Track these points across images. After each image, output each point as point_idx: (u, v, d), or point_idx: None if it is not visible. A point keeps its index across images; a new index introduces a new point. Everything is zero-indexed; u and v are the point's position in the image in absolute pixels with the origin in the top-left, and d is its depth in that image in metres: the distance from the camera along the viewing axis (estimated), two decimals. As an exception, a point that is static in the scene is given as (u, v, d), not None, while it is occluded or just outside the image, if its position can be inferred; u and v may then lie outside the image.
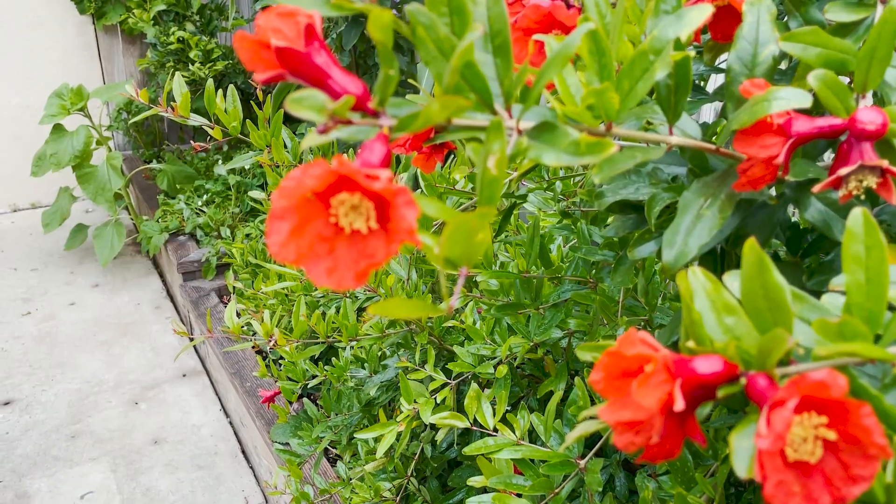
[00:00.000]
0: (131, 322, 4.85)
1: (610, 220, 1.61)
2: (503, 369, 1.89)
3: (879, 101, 0.92)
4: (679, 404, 0.63)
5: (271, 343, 2.22)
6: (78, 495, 3.70)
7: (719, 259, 1.16)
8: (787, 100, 0.82)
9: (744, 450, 0.64)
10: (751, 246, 0.69)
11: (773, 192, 1.11)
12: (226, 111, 2.08)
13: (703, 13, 0.76)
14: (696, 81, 1.36)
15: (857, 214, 0.70)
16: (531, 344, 1.89)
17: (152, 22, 4.93)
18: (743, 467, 0.63)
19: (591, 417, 0.90)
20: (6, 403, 4.25)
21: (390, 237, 0.63)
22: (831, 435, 0.59)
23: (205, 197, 4.64)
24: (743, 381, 0.68)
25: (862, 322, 0.68)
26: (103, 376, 4.39)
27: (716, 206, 0.93)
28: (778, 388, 0.64)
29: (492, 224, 1.69)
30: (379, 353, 2.50)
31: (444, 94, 0.66)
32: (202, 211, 4.61)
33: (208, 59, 4.63)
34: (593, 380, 0.69)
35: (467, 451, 1.54)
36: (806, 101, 0.81)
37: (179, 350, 4.48)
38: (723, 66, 1.26)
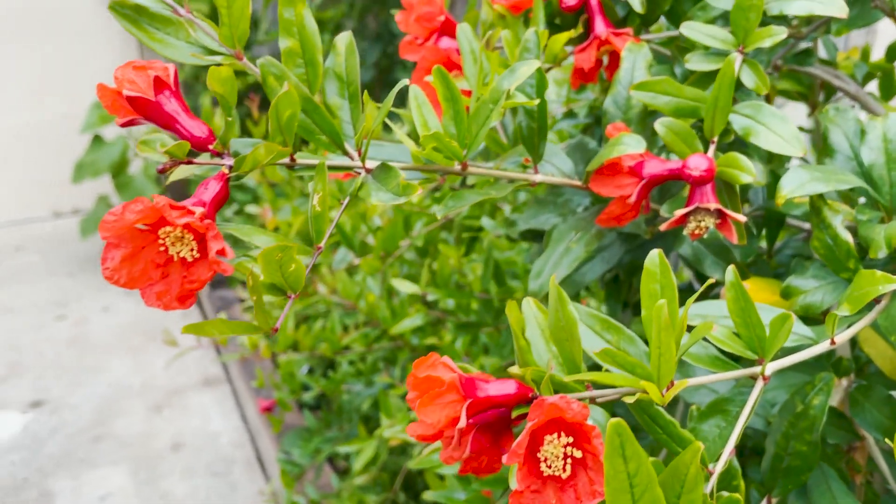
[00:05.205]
0: (160, 329, 5.04)
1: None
2: (472, 387, 1.97)
3: (735, 144, 0.99)
4: (461, 422, 0.72)
5: (257, 355, 2.34)
6: (97, 496, 3.85)
7: (623, 287, 1.24)
8: (626, 145, 0.90)
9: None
10: (552, 282, 0.78)
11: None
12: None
13: (531, 67, 0.85)
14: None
15: (654, 255, 0.79)
16: (504, 363, 1.97)
17: (191, 34, 5.13)
18: (513, 481, 0.72)
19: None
20: (36, 404, 4.45)
21: (208, 264, 0.73)
22: (578, 453, 0.68)
23: (234, 206, 4.82)
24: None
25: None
26: (129, 381, 4.58)
27: (584, 241, 1.02)
28: (552, 410, 0.73)
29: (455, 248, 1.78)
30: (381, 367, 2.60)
31: (271, 139, 0.77)
32: (231, 221, 4.78)
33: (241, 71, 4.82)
34: (409, 399, 0.79)
35: (412, 465, 1.63)
36: (640, 147, 0.90)
37: (205, 358, 4.65)
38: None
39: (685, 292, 1.32)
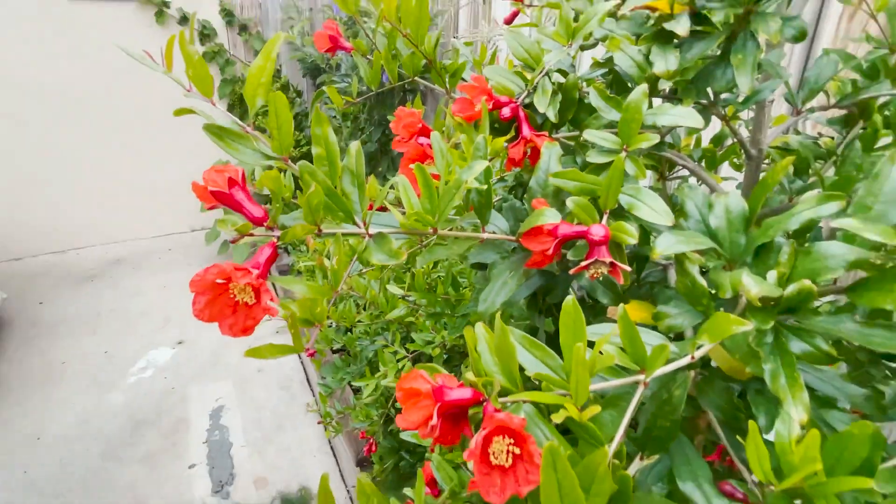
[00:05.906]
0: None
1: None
2: (436, 351, 1.83)
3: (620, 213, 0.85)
4: (434, 420, 0.58)
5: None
6: (214, 398, 3.69)
7: (538, 300, 1.10)
8: (547, 217, 0.76)
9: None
10: (498, 319, 0.64)
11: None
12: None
13: (482, 166, 0.71)
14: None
15: (569, 300, 0.64)
16: (456, 336, 1.83)
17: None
18: (471, 468, 0.58)
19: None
20: (179, 342, 4.26)
21: (261, 309, 0.59)
22: (517, 450, 0.54)
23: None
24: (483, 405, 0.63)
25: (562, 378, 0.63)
26: (233, 331, 4.36)
27: (515, 277, 0.88)
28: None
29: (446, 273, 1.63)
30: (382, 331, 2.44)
31: (304, 218, 0.62)
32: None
33: (297, 146, 4.60)
34: (398, 397, 0.65)
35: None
36: (557, 219, 0.76)
37: (278, 319, 4.46)
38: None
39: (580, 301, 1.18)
